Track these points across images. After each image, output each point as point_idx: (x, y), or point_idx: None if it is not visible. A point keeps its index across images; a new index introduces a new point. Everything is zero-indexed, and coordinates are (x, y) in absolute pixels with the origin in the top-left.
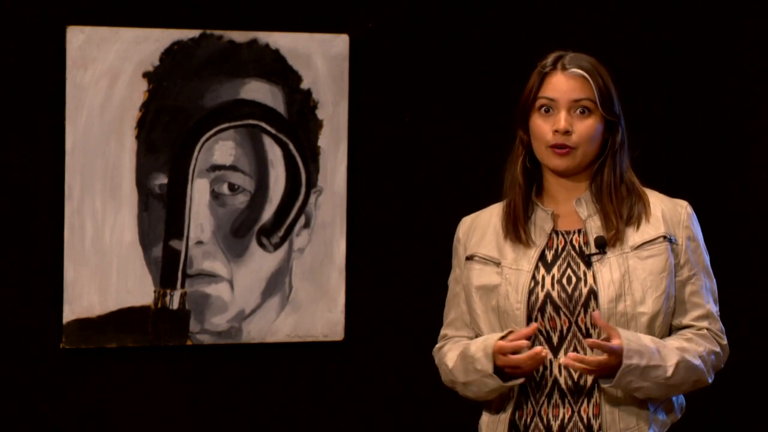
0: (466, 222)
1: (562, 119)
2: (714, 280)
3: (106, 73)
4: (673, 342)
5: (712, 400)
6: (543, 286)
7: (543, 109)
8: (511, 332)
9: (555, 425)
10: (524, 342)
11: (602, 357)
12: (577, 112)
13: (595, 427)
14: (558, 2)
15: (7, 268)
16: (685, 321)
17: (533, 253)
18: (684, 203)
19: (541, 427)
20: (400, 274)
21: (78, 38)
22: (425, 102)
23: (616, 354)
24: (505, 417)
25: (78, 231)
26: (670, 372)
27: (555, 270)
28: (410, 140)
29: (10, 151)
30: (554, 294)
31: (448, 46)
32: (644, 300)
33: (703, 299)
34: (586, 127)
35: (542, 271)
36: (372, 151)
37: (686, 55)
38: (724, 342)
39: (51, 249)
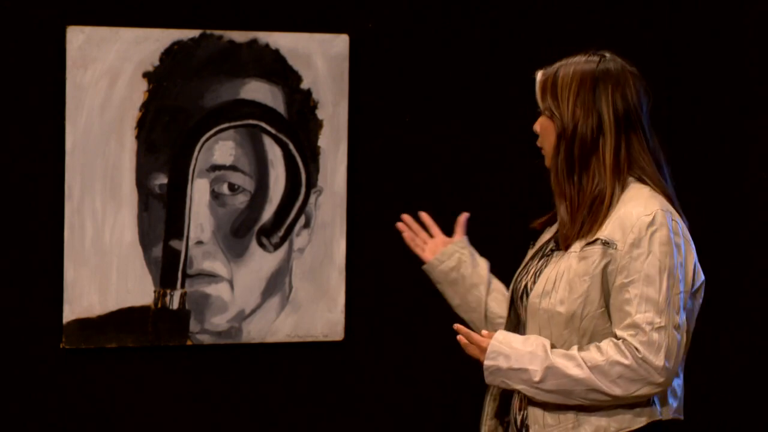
0: None
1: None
2: (662, 290)
3: (106, 73)
4: (571, 350)
5: (710, 399)
6: (527, 275)
7: None
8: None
9: (518, 419)
10: (461, 338)
11: (480, 339)
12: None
13: (532, 423)
14: (558, 2)
15: (7, 268)
16: (614, 329)
17: (537, 246)
18: (649, 211)
19: (512, 419)
20: (400, 274)
21: (78, 38)
22: (425, 102)
23: (483, 350)
24: (491, 405)
25: (78, 231)
26: (537, 377)
27: (536, 262)
28: (410, 140)
29: (10, 151)
30: (529, 285)
31: (448, 46)
32: (563, 300)
33: (634, 308)
34: (539, 124)
35: (533, 262)
36: (372, 151)
37: (686, 55)
38: (641, 355)
39: (51, 249)
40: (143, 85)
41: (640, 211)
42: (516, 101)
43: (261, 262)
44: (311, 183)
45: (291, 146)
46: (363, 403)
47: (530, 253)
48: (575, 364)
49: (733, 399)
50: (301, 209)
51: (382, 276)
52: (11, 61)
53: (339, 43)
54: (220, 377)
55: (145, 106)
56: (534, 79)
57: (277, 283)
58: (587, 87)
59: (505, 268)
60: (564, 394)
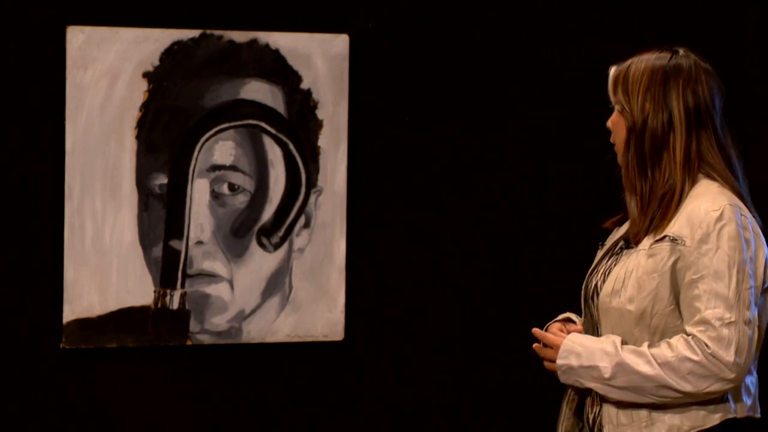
0: None
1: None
2: (731, 286)
3: (106, 73)
4: (641, 346)
5: None
6: (596, 274)
7: None
8: (568, 318)
9: (590, 418)
10: (536, 345)
11: (554, 339)
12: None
13: (606, 423)
14: (558, 2)
15: (7, 268)
16: (685, 325)
17: (609, 245)
18: (717, 206)
19: (586, 419)
20: (400, 274)
21: (78, 38)
22: (425, 102)
23: (557, 349)
24: (569, 405)
25: (78, 231)
26: (608, 373)
27: (608, 262)
28: (410, 140)
29: (10, 151)
30: (599, 283)
31: (448, 46)
32: (633, 298)
33: (703, 304)
34: (611, 121)
35: (604, 261)
36: (372, 151)
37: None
38: (711, 350)
39: (51, 249)
40: (143, 85)
41: (708, 206)
42: (516, 101)
43: (261, 262)
44: (311, 183)
45: (291, 146)
46: (363, 403)
47: (600, 253)
48: (645, 360)
49: None
50: (301, 209)
51: (382, 276)
52: (11, 61)
53: (339, 43)
54: (220, 377)
55: (145, 106)
56: (606, 75)
57: (277, 283)
58: (658, 82)
59: (503, 266)
60: (635, 391)
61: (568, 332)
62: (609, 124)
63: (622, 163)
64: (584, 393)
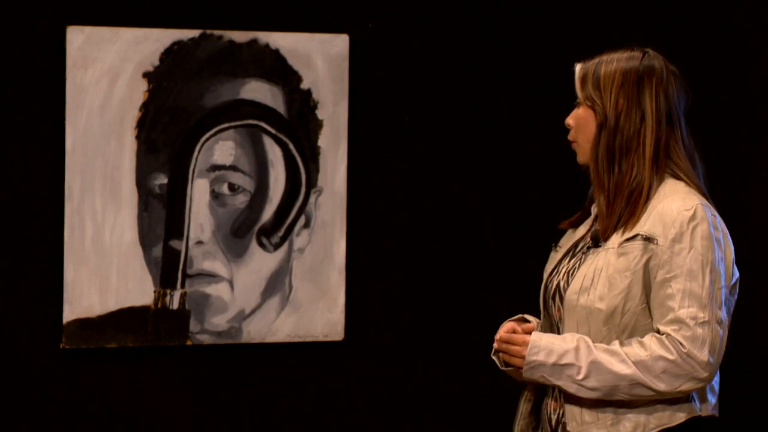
0: None
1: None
2: (705, 286)
3: (106, 73)
4: (612, 345)
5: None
6: (558, 275)
7: None
8: (522, 317)
9: (553, 418)
10: (503, 333)
11: (519, 337)
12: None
13: (569, 420)
14: (558, 2)
15: (7, 268)
16: (656, 324)
17: (568, 245)
18: (690, 205)
19: (545, 419)
20: (400, 274)
21: (78, 38)
22: (425, 102)
23: (523, 344)
24: (526, 405)
25: (78, 231)
26: (582, 374)
27: (570, 261)
28: (410, 140)
29: (10, 151)
30: (562, 284)
31: (448, 46)
32: (603, 296)
33: (677, 303)
34: (573, 117)
35: (564, 261)
36: (372, 151)
37: (686, 54)
38: (686, 350)
39: (51, 249)
40: (143, 85)
41: (680, 206)
42: (516, 101)
43: (261, 262)
44: (311, 183)
45: (291, 146)
46: (363, 403)
47: (556, 254)
48: (619, 359)
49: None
50: (301, 209)
51: (382, 276)
52: (11, 61)
53: (339, 43)
54: (220, 377)
55: (145, 106)
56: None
57: (277, 283)
58: (631, 81)
59: (503, 266)
60: (607, 390)
61: (523, 332)
62: (570, 121)
63: (591, 159)
64: (542, 392)
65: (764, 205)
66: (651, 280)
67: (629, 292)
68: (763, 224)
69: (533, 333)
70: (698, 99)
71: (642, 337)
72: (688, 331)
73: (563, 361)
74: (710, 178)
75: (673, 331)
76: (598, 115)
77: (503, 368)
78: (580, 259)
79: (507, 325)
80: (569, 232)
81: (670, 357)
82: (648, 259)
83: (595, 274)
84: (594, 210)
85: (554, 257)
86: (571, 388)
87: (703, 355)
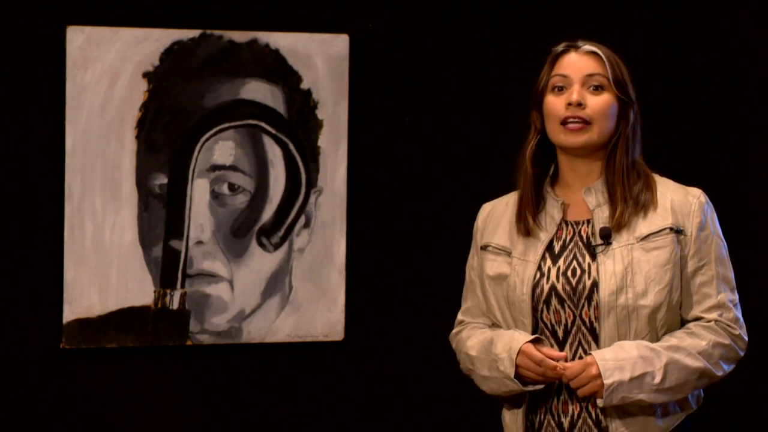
0: (486, 209)
1: (575, 92)
2: (730, 269)
3: (106, 73)
4: (669, 342)
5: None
6: (548, 278)
7: (556, 88)
8: (538, 338)
9: (566, 422)
10: (551, 363)
11: (580, 367)
12: (591, 88)
13: (603, 422)
14: (558, 1)
15: (7, 268)
16: (695, 313)
17: (540, 245)
18: (697, 192)
19: (553, 425)
20: (400, 274)
21: (78, 38)
22: (425, 102)
23: (592, 376)
24: (520, 412)
25: (78, 231)
26: (658, 377)
27: (561, 262)
28: (410, 140)
29: (10, 151)
30: (559, 286)
31: (448, 46)
32: (646, 293)
33: (714, 289)
34: (600, 101)
35: (549, 262)
36: (372, 151)
37: (686, 53)
38: (737, 332)
39: (51, 249)
40: (143, 85)
41: (690, 194)
42: (516, 101)
43: (261, 262)
44: (311, 183)
45: (291, 146)
46: (363, 403)
47: (539, 251)
48: (686, 353)
49: (743, 396)
50: (301, 209)
51: (382, 276)
52: (11, 61)
53: (339, 43)
54: (220, 377)
55: (145, 106)
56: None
57: (277, 283)
58: (629, 73)
59: None
60: (678, 389)
61: (548, 356)
62: (597, 102)
63: (603, 139)
64: (521, 399)
65: (764, 205)
66: (683, 270)
67: (672, 285)
68: (764, 224)
69: (593, 355)
70: (698, 99)
71: (675, 331)
72: (730, 313)
73: (637, 372)
74: (710, 177)
75: (719, 317)
76: (626, 100)
77: (530, 388)
78: (581, 258)
79: (539, 356)
80: (518, 237)
81: (726, 342)
82: (681, 249)
83: (626, 272)
84: (557, 214)
85: (520, 263)
86: (649, 398)
87: (745, 334)
